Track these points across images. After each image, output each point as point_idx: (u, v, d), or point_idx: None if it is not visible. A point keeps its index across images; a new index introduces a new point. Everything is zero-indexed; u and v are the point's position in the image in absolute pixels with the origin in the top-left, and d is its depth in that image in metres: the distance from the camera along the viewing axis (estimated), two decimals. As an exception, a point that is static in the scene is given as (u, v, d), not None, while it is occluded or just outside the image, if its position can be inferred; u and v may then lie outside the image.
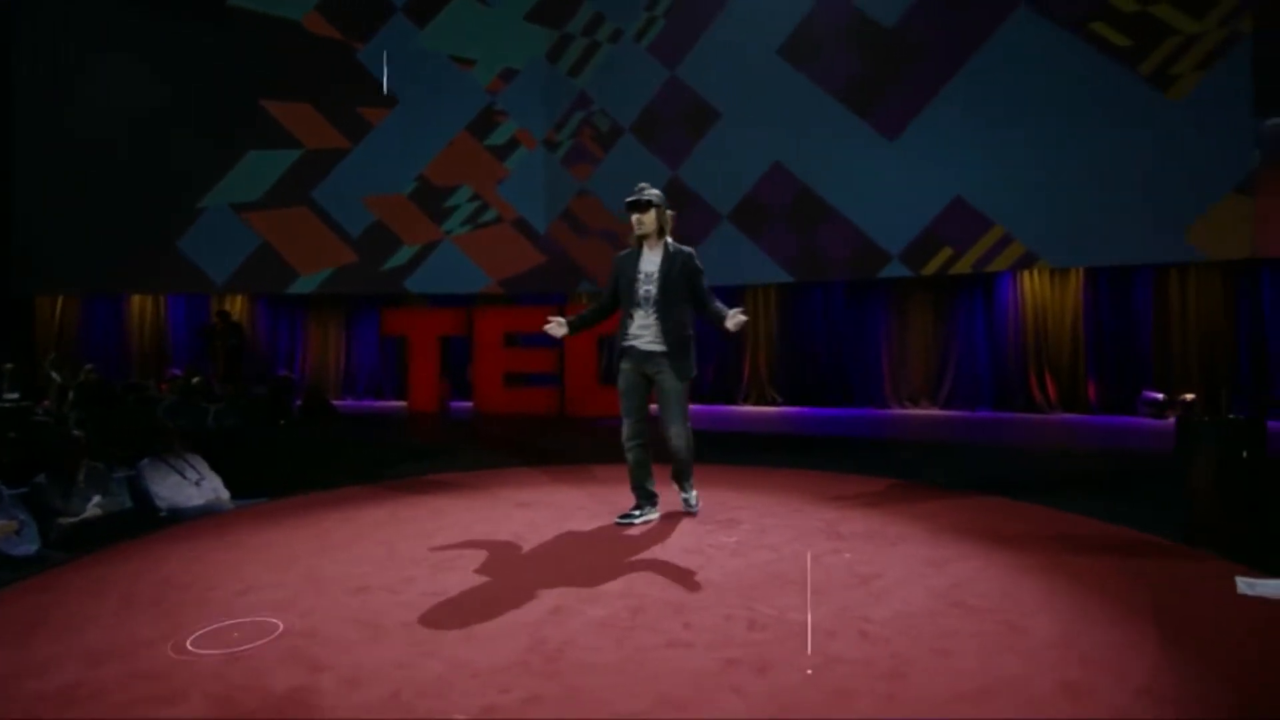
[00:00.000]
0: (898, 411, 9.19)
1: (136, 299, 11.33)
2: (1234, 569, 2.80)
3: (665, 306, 3.42)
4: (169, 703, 1.87)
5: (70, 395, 7.42)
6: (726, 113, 9.34)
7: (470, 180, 10.34)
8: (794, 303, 9.79)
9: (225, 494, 4.26)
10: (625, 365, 3.52)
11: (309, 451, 6.30)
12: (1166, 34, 7.48)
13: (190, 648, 2.18)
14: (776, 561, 2.94)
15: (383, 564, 2.95)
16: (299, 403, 8.75)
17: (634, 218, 3.45)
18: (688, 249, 3.51)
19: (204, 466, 4.33)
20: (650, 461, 3.57)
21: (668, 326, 3.43)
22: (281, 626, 2.32)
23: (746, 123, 9.23)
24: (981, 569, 2.84)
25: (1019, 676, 1.97)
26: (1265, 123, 7.09)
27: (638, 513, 3.55)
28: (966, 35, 8.25)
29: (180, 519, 3.89)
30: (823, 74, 8.86)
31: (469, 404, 9.71)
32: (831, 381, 9.60)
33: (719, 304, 3.46)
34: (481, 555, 3.06)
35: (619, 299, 3.58)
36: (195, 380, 7.29)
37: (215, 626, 2.33)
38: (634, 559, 3.00)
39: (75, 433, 4.01)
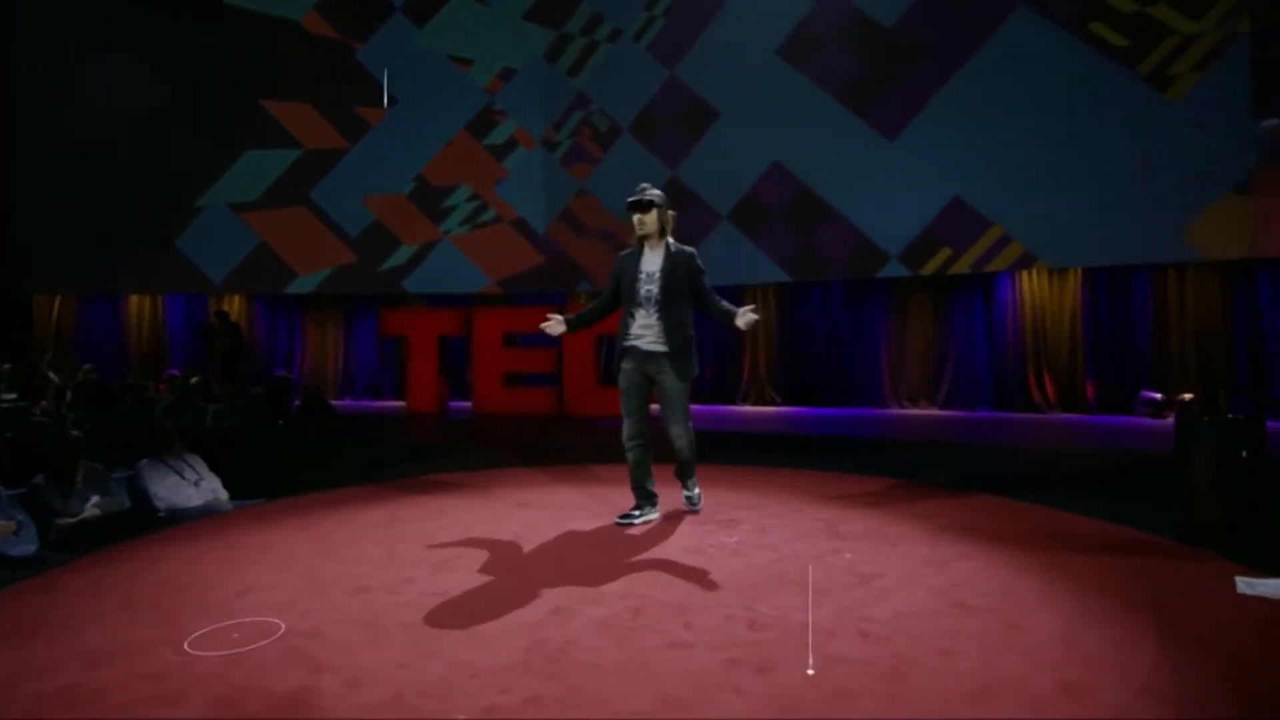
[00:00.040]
0: (897, 411, 9.20)
1: (134, 299, 11.31)
2: (1233, 569, 2.80)
3: (667, 306, 3.43)
4: (170, 704, 1.87)
5: (68, 395, 7.40)
6: (725, 112, 9.34)
7: (469, 180, 10.33)
8: (793, 303, 9.80)
9: (224, 494, 4.25)
10: (626, 365, 3.52)
11: (308, 452, 6.30)
12: (1165, 34, 7.49)
13: (191, 649, 2.18)
14: (777, 561, 2.94)
15: (383, 564, 2.95)
16: (297, 403, 8.74)
17: (635, 218, 3.45)
18: (689, 249, 3.51)
19: (202, 467, 4.32)
20: (650, 461, 3.57)
21: (669, 326, 3.43)
22: (283, 627, 2.31)
23: (745, 122, 9.23)
24: (981, 569, 2.84)
25: (1020, 676, 1.97)
26: (1261, 124, 7.10)
27: (638, 513, 3.55)
28: (966, 35, 8.26)
29: (179, 519, 3.89)
30: (822, 74, 8.86)
31: (467, 404, 9.71)
32: (830, 381, 9.60)
33: (725, 302, 3.47)
34: (482, 555, 3.05)
35: (619, 298, 3.58)
36: (193, 380, 7.29)
37: (216, 627, 2.33)
38: (634, 559, 3.00)
39: (73, 433, 4.00)
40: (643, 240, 3.50)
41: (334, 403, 9.89)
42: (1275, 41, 7.04)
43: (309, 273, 10.46)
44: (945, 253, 8.47)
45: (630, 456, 3.52)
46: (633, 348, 3.49)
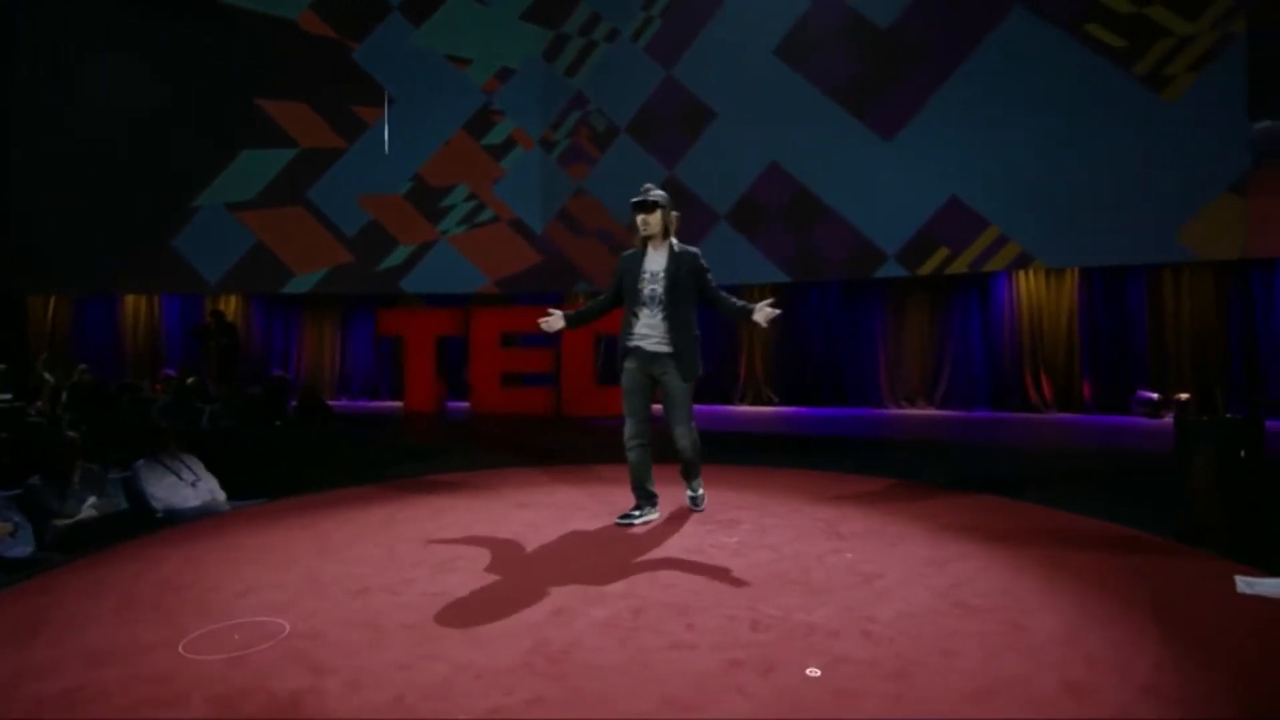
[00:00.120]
0: (894, 411, 9.21)
1: (130, 299, 11.27)
2: (1233, 568, 2.81)
3: (672, 306, 3.43)
4: (171, 705, 1.86)
5: (63, 396, 7.36)
6: (723, 112, 9.34)
7: (466, 180, 10.31)
8: (791, 303, 9.80)
9: (221, 495, 4.23)
10: (630, 365, 3.52)
11: (305, 452, 6.28)
12: (1161, 35, 7.52)
13: (192, 650, 2.17)
14: (778, 561, 2.94)
15: (383, 565, 2.94)
16: (294, 403, 8.71)
17: (639, 218, 3.45)
18: (693, 249, 3.51)
19: (200, 467, 4.30)
20: (651, 462, 3.57)
21: (674, 326, 3.43)
22: (286, 629, 2.30)
23: (743, 123, 9.24)
24: (982, 568, 2.85)
25: (1022, 675, 1.97)
26: (1256, 125, 7.13)
27: (638, 513, 3.55)
28: (963, 36, 8.28)
29: (177, 520, 3.87)
30: (819, 74, 8.87)
31: (465, 404, 9.69)
32: (828, 381, 9.62)
33: (735, 300, 3.47)
34: (482, 556, 3.05)
35: (620, 298, 3.58)
36: (190, 380, 7.26)
37: (216, 629, 2.32)
38: (635, 560, 2.99)
39: (70, 434, 3.98)
40: (646, 240, 3.50)
41: (331, 403, 9.86)
42: (1271, 42, 7.08)
43: (306, 272, 10.44)
44: (942, 253, 8.49)
45: (631, 456, 3.52)
46: (637, 348, 3.49)
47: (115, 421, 5.97)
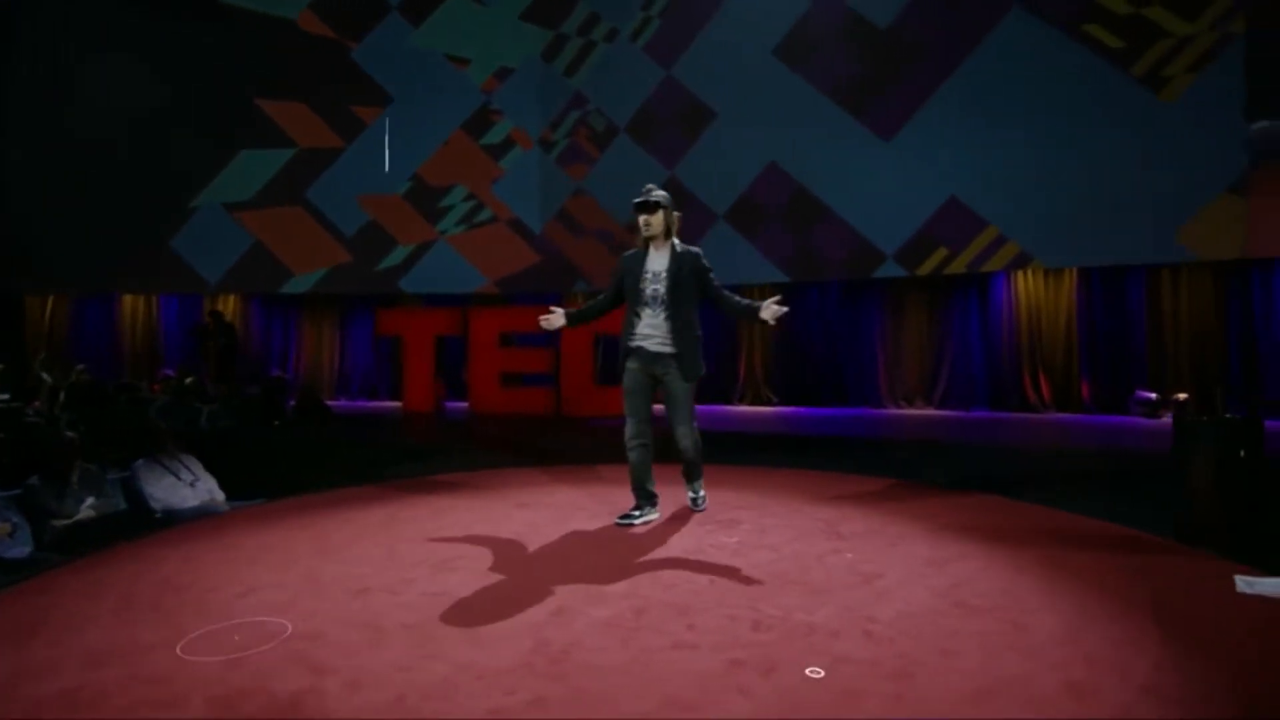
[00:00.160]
0: (893, 411, 9.22)
1: (128, 299, 11.25)
2: (1232, 568, 2.81)
3: (675, 306, 3.43)
4: (171, 706, 1.85)
5: (61, 396, 7.34)
6: (722, 113, 9.35)
7: (465, 180, 10.31)
8: (790, 302, 9.65)
9: (220, 495, 4.23)
10: (632, 365, 3.52)
11: (304, 452, 6.28)
12: (1159, 36, 7.53)
13: (191, 651, 2.16)
14: (778, 561, 2.94)
15: (383, 565, 2.94)
16: (292, 403, 8.71)
17: (641, 219, 3.45)
18: (695, 249, 3.52)
19: (198, 467, 4.30)
20: (651, 462, 3.57)
21: (677, 326, 3.44)
22: (288, 628, 2.30)
23: (742, 123, 9.24)
24: (982, 568, 2.85)
25: (1023, 675, 1.97)
26: (1253, 126, 7.15)
27: (638, 513, 3.55)
28: (961, 36, 8.29)
29: (175, 521, 3.86)
30: (818, 74, 8.88)
31: (464, 404, 9.68)
32: (827, 381, 9.62)
33: (740, 298, 3.47)
34: (482, 556, 3.04)
35: (621, 298, 3.58)
36: (188, 381, 7.25)
37: (216, 629, 2.31)
38: (635, 560, 2.99)
39: (69, 434, 3.97)
40: (648, 241, 3.50)
41: (329, 403, 9.85)
42: (1269, 43, 7.09)
43: (304, 272, 10.43)
44: (941, 253, 8.49)
45: (632, 456, 3.52)
46: (639, 348, 3.49)
47: (113, 422, 5.96)
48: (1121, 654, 2.10)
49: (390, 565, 2.94)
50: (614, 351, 3.67)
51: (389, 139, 10.17)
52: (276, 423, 7.61)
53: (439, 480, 4.75)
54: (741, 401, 9.93)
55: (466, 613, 2.42)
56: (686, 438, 3.52)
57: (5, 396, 7.44)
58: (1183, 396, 7.74)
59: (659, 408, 3.55)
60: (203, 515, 3.96)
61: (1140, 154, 7.56)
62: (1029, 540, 3.21)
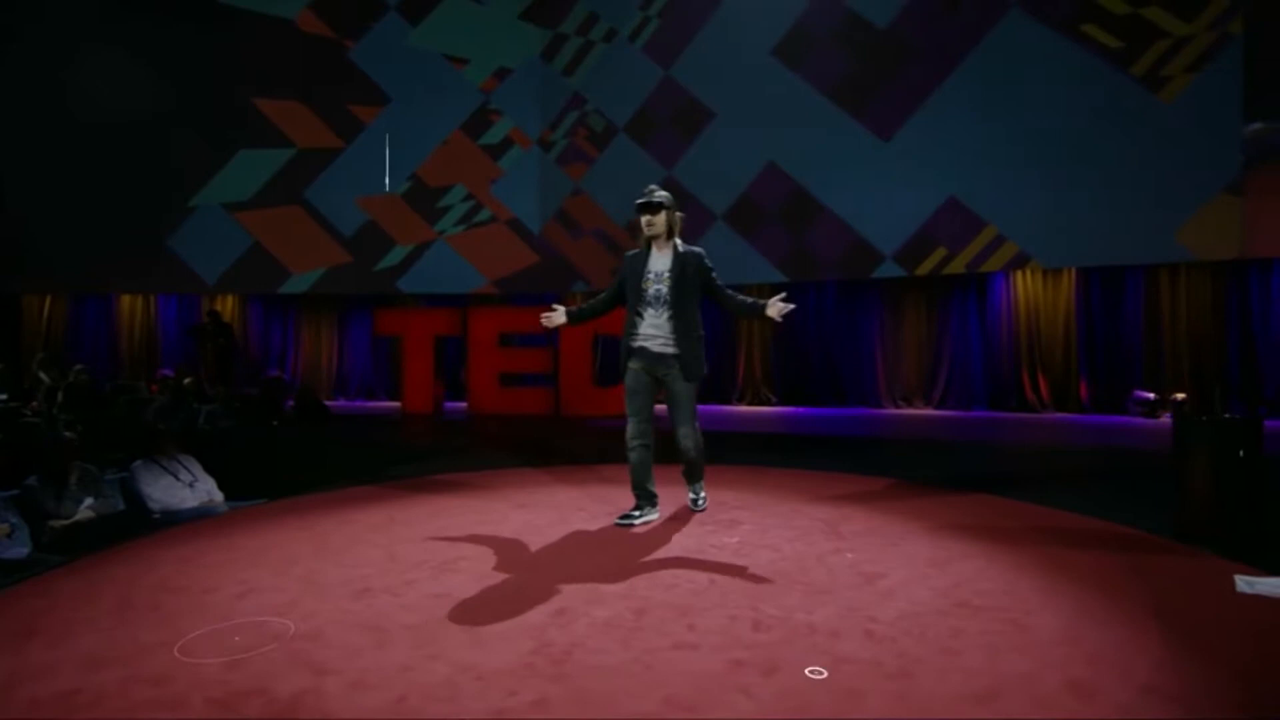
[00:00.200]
0: (892, 411, 9.23)
1: (126, 299, 11.23)
2: (1232, 567, 2.82)
3: (678, 306, 3.44)
4: (171, 708, 1.84)
5: (59, 396, 7.33)
6: (721, 113, 9.35)
7: (464, 180, 10.30)
8: (789, 302, 9.81)
9: (219, 496, 4.22)
10: (634, 365, 3.52)
11: (303, 453, 6.26)
12: (1157, 36, 7.55)
13: (191, 652, 2.15)
14: (779, 561, 2.93)
15: (383, 566, 2.93)
16: (291, 403, 8.69)
17: (644, 219, 3.46)
18: (698, 249, 3.53)
19: (197, 468, 4.29)
20: (652, 462, 3.57)
21: (679, 326, 3.44)
22: (290, 629, 2.29)
23: (741, 123, 9.24)
24: (982, 568, 2.85)
25: (1026, 675, 1.97)
26: (1248, 127, 7.16)
27: (638, 513, 3.55)
28: (959, 36, 8.30)
29: (174, 521, 3.85)
30: (817, 74, 8.88)
31: (463, 405, 9.67)
32: (826, 381, 9.63)
33: (745, 297, 3.49)
34: (483, 556, 3.04)
35: (622, 297, 3.58)
36: (187, 381, 7.24)
37: (216, 630, 2.30)
38: (636, 560, 2.99)
39: (67, 434, 3.96)
40: (650, 241, 3.51)
41: (328, 403, 9.84)
42: (1267, 43, 7.11)
43: (303, 272, 10.41)
44: (940, 253, 8.50)
45: (633, 456, 3.52)
46: (642, 349, 3.49)
47: (111, 422, 5.94)
48: (1122, 653, 2.10)
49: (391, 566, 2.93)
50: (613, 352, 3.67)
51: (388, 140, 10.15)
52: (275, 423, 7.59)
53: (439, 480, 4.74)
54: (740, 401, 9.93)
55: (468, 613, 2.41)
56: (688, 438, 3.52)
57: (3, 397, 7.42)
58: (1181, 396, 7.76)
59: (660, 408, 3.56)
60: (201, 516, 3.95)
61: (1138, 154, 7.58)
62: (1029, 540, 3.22)
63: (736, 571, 2.81)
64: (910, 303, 9.29)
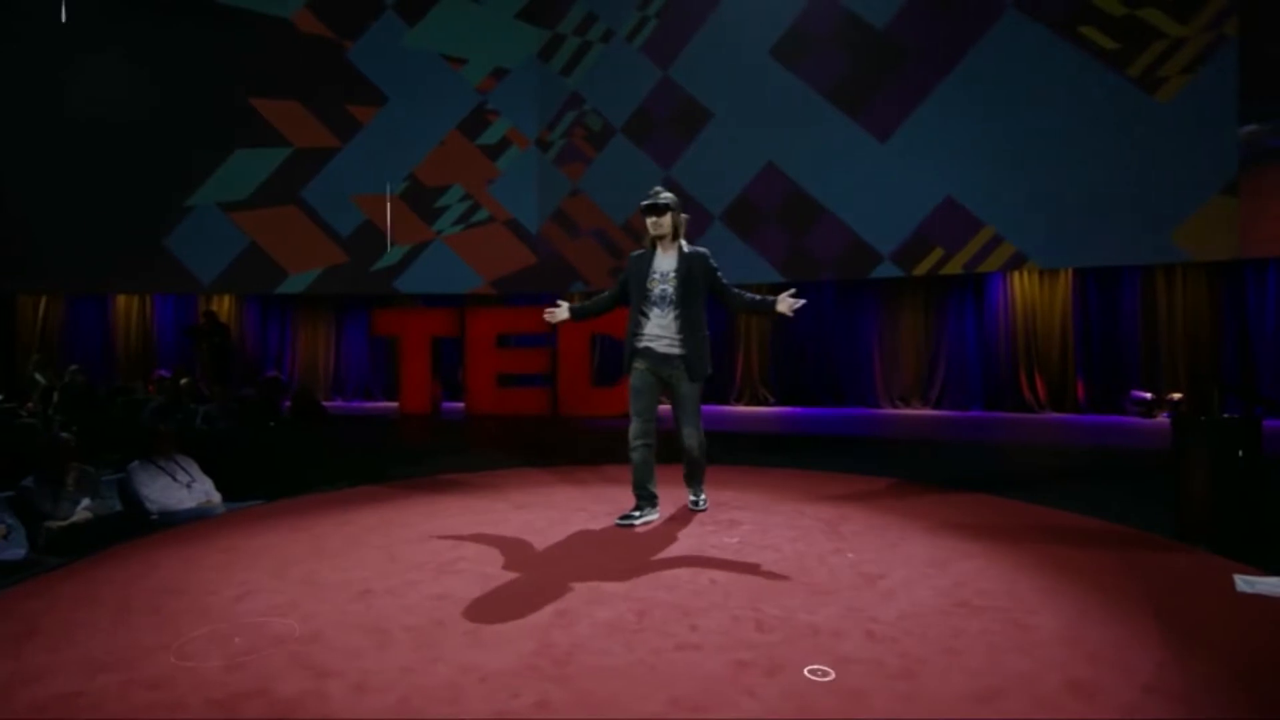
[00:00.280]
0: (889, 411, 9.24)
1: (122, 299, 11.18)
2: (1231, 566, 2.83)
3: (683, 306, 3.46)
4: (172, 711, 1.84)
5: (55, 397, 7.29)
6: (719, 113, 9.35)
7: (461, 180, 10.28)
8: (786, 303, 9.82)
9: (217, 497, 4.20)
10: (640, 365, 3.53)
11: (301, 453, 6.23)
12: (1153, 37, 7.57)
13: (191, 654, 2.14)
14: (780, 561, 2.93)
15: (384, 567, 2.92)
16: (288, 404, 8.66)
17: (650, 220, 3.49)
18: (702, 249, 3.55)
19: (195, 469, 4.27)
20: (654, 462, 3.57)
21: (684, 325, 3.45)
22: (295, 630, 2.28)
23: (739, 123, 9.25)
24: (983, 568, 2.85)
25: (1028, 675, 1.97)
26: (1242, 129, 7.19)
27: (638, 514, 3.54)
28: (957, 37, 8.32)
29: (172, 522, 3.83)
30: (814, 75, 8.89)
31: (460, 405, 9.66)
32: (823, 381, 9.64)
33: (752, 294, 3.52)
34: (483, 557, 3.03)
35: (625, 297, 3.59)
36: (183, 381, 7.21)
37: (216, 632, 2.29)
38: (637, 561, 2.98)
39: (64, 435, 3.94)
40: (655, 242, 3.52)
41: (325, 404, 9.81)
42: (1262, 45, 7.13)
43: (300, 272, 10.38)
44: (937, 253, 8.52)
45: (635, 456, 3.52)
46: (647, 349, 3.50)
47: (108, 423, 5.91)
48: (1124, 653, 2.10)
49: (391, 567, 2.92)
50: (611, 352, 3.68)
51: (385, 139, 10.13)
52: (272, 424, 7.56)
53: (437, 481, 4.73)
54: (738, 401, 9.94)
55: (469, 615, 2.41)
56: (692, 437, 3.54)
57: (-2, 398, 7.38)
58: (1178, 396, 7.79)
59: (663, 408, 3.56)
60: (199, 517, 3.93)
61: (1135, 155, 7.60)
62: (1029, 539, 3.22)
63: (738, 572, 2.81)
64: (908, 303, 9.31)
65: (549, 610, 2.43)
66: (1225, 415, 3.42)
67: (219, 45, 10.11)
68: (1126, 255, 7.94)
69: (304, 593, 2.64)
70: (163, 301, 11.27)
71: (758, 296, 3.51)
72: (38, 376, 8.28)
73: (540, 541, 3.27)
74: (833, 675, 1.96)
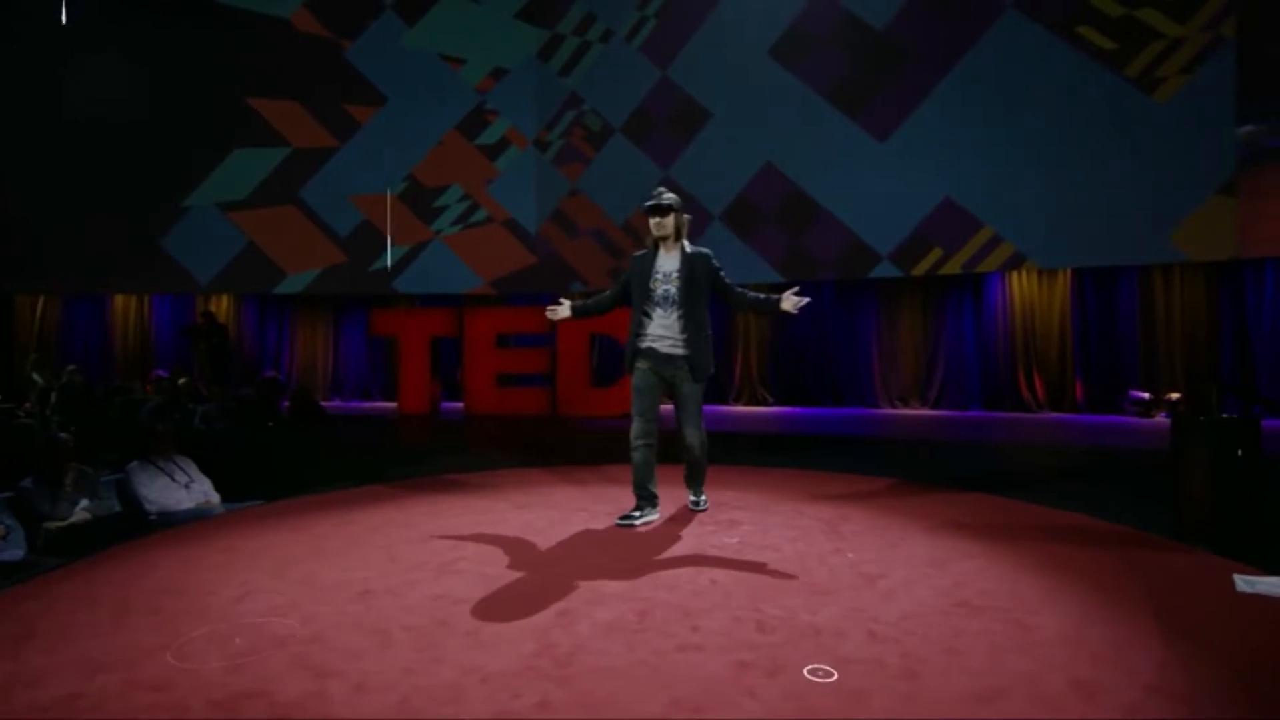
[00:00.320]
0: (888, 411, 9.25)
1: (120, 299, 11.16)
2: (1231, 566, 2.83)
3: (686, 306, 3.46)
4: (172, 712, 1.83)
5: (53, 397, 7.27)
6: (717, 113, 9.35)
7: (460, 180, 10.27)
8: (785, 303, 9.82)
9: (215, 497, 4.19)
10: (642, 365, 3.53)
11: (300, 454, 6.23)
12: (1151, 38, 7.58)
13: (191, 655, 2.14)
14: (780, 562, 2.93)
15: (383, 568, 2.92)
16: (286, 404, 8.64)
17: (654, 221, 3.50)
18: (705, 250, 3.56)
19: (193, 469, 4.26)
20: (655, 462, 3.57)
21: (688, 325, 3.46)
22: (293, 632, 2.28)
23: (738, 123, 9.25)
24: (983, 567, 2.85)
25: (1029, 675, 1.97)
26: (1242, 128, 7.20)
27: (638, 514, 3.54)
28: (955, 37, 8.32)
29: (170, 523, 3.82)
30: (813, 75, 8.90)
31: (459, 405, 9.65)
32: (822, 381, 9.65)
33: (755, 293, 3.55)
34: (483, 557, 3.03)
35: (627, 297, 3.60)
36: (181, 381, 7.20)
37: (216, 633, 2.29)
38: (637, 561, 2.98)
39: (62, 435, 3.93)
40: (658, 242, 3.53)
41: (323, 404, 9.79)
42: (1260, 46, 7.15)
43: (298, 272, 10.36)
44: (936, 253, 8.52)
45: (636, 456, 3.52)
46: (650, 349, 3.51)
47: (106, 423, 5.90)
48: (1126, 653, 2.10)
49: (391, 567, 2.92)
50: (610, 352, 3.69)
51: (383, 139, 10.11)
52: (270, 424, 7.55)
53: (437, 481, 4.73)
54: (737, 401, 9.94)
55: (469, 615, 2.40)
56: (694, 437, 3.54)
57: (-5, 398, 7.36)
58: (1176, 396, 7.81)
59: (665, 408, 3.56)
60: (198, 517, 3.92)
61: (1133, 155, 7.61)
62: (1029, 539, 3.22)
63: (738, 572, 2.81)
64: (906, 303, 9.32)
65: (550, 611, 2.43)
66: (1224, 415, 3.42)
67: (217, 45, 10.08)
68: (1125, 255, 7.96)
69: (304, 593, 2.64)
70: (160, 301, 11.25)
71: (761, 295, 3.53)
72: (35, 377, 8.27)
73: (541, 541, 3.27)
74: (836, 676, 1.96)
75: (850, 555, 3.01)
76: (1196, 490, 3.22)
